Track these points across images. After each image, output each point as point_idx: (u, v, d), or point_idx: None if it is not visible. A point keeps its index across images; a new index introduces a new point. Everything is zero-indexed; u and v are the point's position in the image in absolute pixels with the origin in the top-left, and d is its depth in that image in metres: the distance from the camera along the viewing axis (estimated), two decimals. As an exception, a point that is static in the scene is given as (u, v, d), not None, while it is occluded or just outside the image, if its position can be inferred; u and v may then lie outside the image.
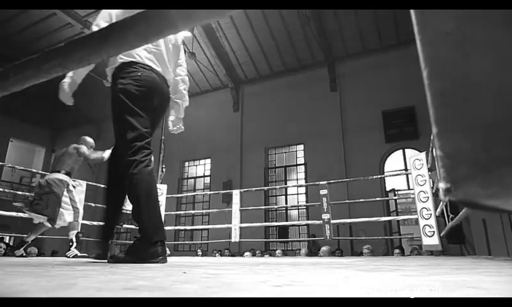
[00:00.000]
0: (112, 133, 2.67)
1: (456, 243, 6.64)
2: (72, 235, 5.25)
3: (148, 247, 2.24)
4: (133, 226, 9.48)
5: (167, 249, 2.76)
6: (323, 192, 6.76)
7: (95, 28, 2.51)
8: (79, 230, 5.39)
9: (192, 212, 14.43)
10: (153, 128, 2.64)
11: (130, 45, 0.65)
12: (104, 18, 2.54)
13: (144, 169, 2.35)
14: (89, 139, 5.56)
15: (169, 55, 2.70)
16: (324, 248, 8.44)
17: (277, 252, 10.59)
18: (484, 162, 0.28)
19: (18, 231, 8.81)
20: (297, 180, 13.62)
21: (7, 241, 15.67)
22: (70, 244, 5.21)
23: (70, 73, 2.53)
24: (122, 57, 2.49)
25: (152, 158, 2.49)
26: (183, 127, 2.94)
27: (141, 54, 2.50)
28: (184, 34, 2.85)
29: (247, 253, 10.38)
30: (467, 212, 3.80)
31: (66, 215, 5.12)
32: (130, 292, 0.62)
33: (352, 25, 12.63)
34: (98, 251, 2.54)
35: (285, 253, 11.34)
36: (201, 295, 0.60)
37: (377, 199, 8.64)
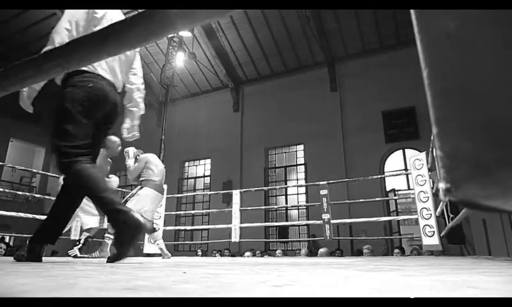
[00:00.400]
0: (111, 132, 2.66)
1: (456, 243, 6.63)
2: (84, 236, 5.23)
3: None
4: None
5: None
6: (323, 192, 6.76)
7: (56, 37, 2.46)
8: (93, 234, 5.33)
9: (192, 212, 14.42)
10: (103, 134, 2.69)
11: (130, 45, 0.65)
12: (63, 31, 2.54)
13: (83, 165, 2.34)
14: (114, 139, 5.11)
15: (121, 63, 2.71)
16: (322, 250, 8.44)
17: (277, 252, 10.59)
18: (484, 163, 0.28)
19: (19, 231, 8.81)
20: (297, 180, 13.62)
21: (7, 241, 15.70)
22: (77, 243, 5.18)
23: None
24: None
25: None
26: (138, 134, 2.96)
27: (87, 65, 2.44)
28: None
29: (247, 253, 10.38)
30: (467, 212, 3.80)
31: (88, 220, 5.16)
32: (131, 292, 0.62)
33: (352, 26, 12.63)
34: (22, 251, 2.38)
35: (285, 253, 11.34)
36: (202, 295, 0.60)
37: (378, 199, 8.63)
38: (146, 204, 4.71)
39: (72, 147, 2.33)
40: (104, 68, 2.55)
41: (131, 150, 5.15)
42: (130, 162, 5.07)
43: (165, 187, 7.54)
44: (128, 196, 4.80)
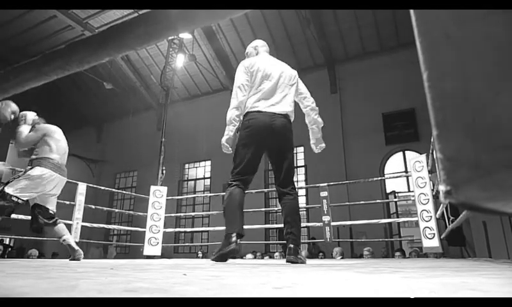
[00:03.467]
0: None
1: (457, 245, 6.63)
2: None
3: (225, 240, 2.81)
4: (132, 228, 9.47)
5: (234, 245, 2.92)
6: (323, 194, 6.75)
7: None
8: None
9: (193, 214, 14.42)
10: (279, 158, 3.09)
11: (130, 47, 0.65)
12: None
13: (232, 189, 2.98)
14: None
15: (284, 89, 3.11)
16: (336, 249, 8.44)
17: (275, 254, 10.58)
18: (484, 165, 0.28)
19: (19, 234, 8.80)
20: (297, 182, 13.61)
21: (7, 243, 15.69)
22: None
23: None
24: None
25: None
26: (324, 144, 3.41)
27: (249, 102, 3.07)
28: (294, 73, 3.27)
29: (249, 255, 10.37)
30: (467, 214, 3.80)
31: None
32: (131, 294, 0.62)
33: (352, 28, 12.65)
34: None
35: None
36: (202, 296, 0.60)
37: (378, 201, 8.62)
38: (38, 188, 3.77)
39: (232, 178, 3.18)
40: (260, 100, 3.07)
41: (30, 115, 4.27)
42: (24, 128, 4.11)
43: (165, 189, 7.56)
44: (12, 177, 3.88)
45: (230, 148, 3.18)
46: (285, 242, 3.00)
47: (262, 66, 3.16)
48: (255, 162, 3.07)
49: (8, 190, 3.61)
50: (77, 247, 3.97)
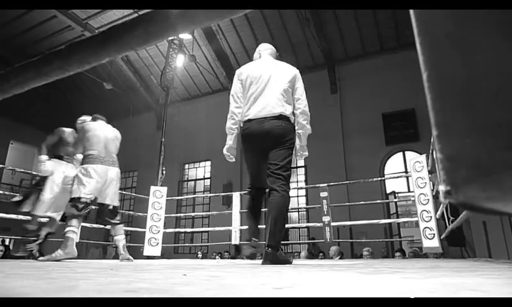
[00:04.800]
0: None
1: (457, 245, 6.63)
2: (44, 231, 4.72)
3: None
4: (132, 229, 9.48)
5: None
6: (323, 194, 6.75)
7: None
8: (54, 230, 4.82)
9: (193, 214, 14.42)
10: (270, 160, 3.05)
11: (130, 48, 0.65)
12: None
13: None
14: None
15: (275, 90, 3.05)
16: (333, 248, 8.42)
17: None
18: (484, 165, 0.28)
19: (19, 234, 8.79)
20: (297, 182, 13.61)
21: (7, 243, 15.68)
22: (36, 238, 4.65)
23: None
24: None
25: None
26: (307, 153, 3.17)
27: (244, 110, 3.12)
28: (293, 73, 3.18)
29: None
30: (467, 215, 3.80)
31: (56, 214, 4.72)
32: (131, 294, 0.62)
33: (352, 28, 12.65)
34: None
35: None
36: (202, 297, 0.60)
37: (378, 201, 8.62)
38: (90, 182, 3.84)
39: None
40: (250, 108, 3.09)
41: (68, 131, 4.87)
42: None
43: (165, 189, 7.56)
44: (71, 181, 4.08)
45: (231, 157, 3.27)
46: (285, 242, 3.18)
47: (251, 71, 3.17)
48: (259, 169, 3.12)
49: (74, 195, 3.78)
50: (123, 252, 4.13)
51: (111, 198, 4.07)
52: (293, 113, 3.10)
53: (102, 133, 4.16)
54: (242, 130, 3.10)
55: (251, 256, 3.02)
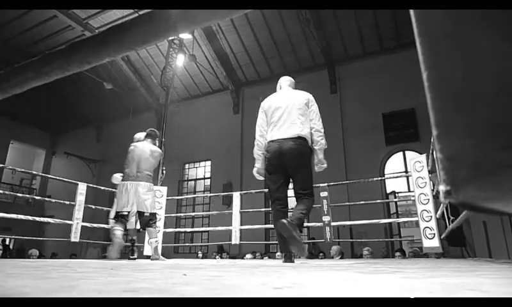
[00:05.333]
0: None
1: (457, 245, 6.62)
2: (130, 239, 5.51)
3: None
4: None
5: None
6: (323, 194, 6.74)
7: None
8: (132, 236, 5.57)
9: (193, 214, 14.41)
10: (293, 174, 3.57)
11: (131, 48, 0.65)
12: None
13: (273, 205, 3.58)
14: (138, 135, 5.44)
15: (292, 115, 3.58)
16: (334, 247, 8.41)
17: (277, 254, 10.58)
18: (484, 165, 0.28)
19: (19, 234, 8.81)
20: (297, 182, 13.58)
21: (7, 243, 15.69)
22: (132, 248, 5.33)
23: None
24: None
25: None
26: (324, 165, 3.77)
27: (268, 134, 3.66)
28: (306, 98, 3.75)
29: (248, 255, 10.37)
30: (468, 214, 3.80)
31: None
32: (131, 294, 0.62)
33: (352, 28, 12.64)
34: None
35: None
36: (203, 297, 0.60)
37: (378, 201, 8.62)
38: (122, 197, 4.76)
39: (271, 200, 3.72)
40: (272, 132, 3.62)
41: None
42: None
43: (165, 189, 7.55)
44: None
45: (261, 177, 3.80)
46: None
47: (273, 101, 3.74)
48: (278, 183, 3.56)
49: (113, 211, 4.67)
50: (157, 254, 4.94)
51: (146, 207, 4.81)
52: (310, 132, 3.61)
53: (137, 153, 4.94)
54: (266, 150, 3.61)
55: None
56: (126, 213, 4.70)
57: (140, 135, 5.36)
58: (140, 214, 4.82)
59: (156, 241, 4.94)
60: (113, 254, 4.52)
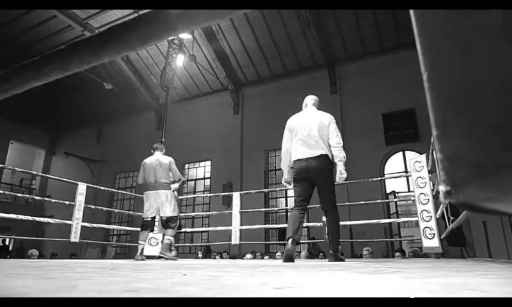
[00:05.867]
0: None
1: (457, 245, 6.62)
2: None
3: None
4: (132, 229, 9.49)
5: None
6: (323, 194, 6.73)
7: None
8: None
9: (193, 214, 14.41)
10: (318, 188, 4.05)
11: (131, 48, 0.65)
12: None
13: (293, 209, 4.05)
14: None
15: (315, 136, 4.02)
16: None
17: (277, 254, 10.58)
18: (484, 165, 0.28)
19: (19, 234, 8.81)
20: (297, 182, 13.59)
21: (7, 243, 15.69)
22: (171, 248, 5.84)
23: None
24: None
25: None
26: (344, 176, 4.10)
27: (293, 151, 4.14)
28: (328, 119, 4.16)
29: (248, 255, 10.37)
30: (467, 214, 3.80)
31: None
32: (131, 294, 0.62)
33: (352, 28, 12.64)
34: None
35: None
36: (203, 297, 0.60)
37: (378, 201, 8.61)
38: (145, 205, 5.49)
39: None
40: (297, 151, 4.09)
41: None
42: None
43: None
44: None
45: (289, 185, 4.29)
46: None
47: (297, 121, 4.17)
48: (302, 193, 4.04)
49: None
50: (166, 249, 5.40)
51: (165, 211, 5.39)
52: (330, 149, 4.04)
53: (147, 166, 5.59)
54: (292, 166, 4.12)
55: (289, 252, 3.66)
56: (150, 219, 5.44)
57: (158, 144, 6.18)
58: (161, 217, 5.55)
59: (169, 239, 5.43)
60: (147, 253, 5.39)
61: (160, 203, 5.41)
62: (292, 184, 4.22)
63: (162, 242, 5.75)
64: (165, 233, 5.51)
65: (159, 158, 5.64)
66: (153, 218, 5.53)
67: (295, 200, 4.13)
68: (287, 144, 4.24)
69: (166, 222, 5.49)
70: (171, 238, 5.51)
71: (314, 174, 3.96)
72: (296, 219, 3.96)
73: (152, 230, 5.56)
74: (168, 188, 5.56)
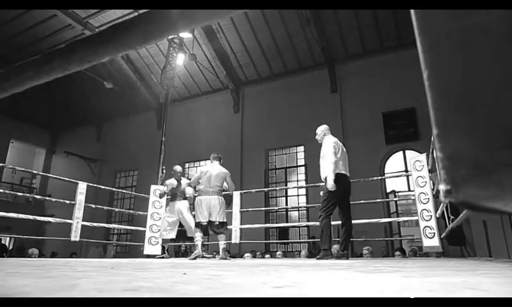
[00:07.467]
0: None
1: (457, 244, 6.62)
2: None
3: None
4: (133, 228, 9.48)
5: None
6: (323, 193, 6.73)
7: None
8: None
9: (193, 213, 14.39)
10: (346, 202, 5.10)
11: (131, 47, 0.65)
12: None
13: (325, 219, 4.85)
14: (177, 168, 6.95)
15: (346, 159, 5.14)
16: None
17: (277, 253, 10.58)
18: (484, 164, 0.28)
19: (19, 233, 8.80)
20: (297, 181, 13.61)
21: (6, 243, 15.69)
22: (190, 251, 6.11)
23: None
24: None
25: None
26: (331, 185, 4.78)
27: (338, 165, 4.91)
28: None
29: (247, 254, 10.37)
30: (468, 214, 3.80)
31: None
32: (132, 294, 0.62)
33: (352, 27, 12.63)
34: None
35: (285, 254, 11.32)
36: (203, 296, 0.60)
37: (378, 200, 8.61)
38: (197, 210, 5.86)
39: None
40: (341, 167, 5.03)
41: (179, 168, 7.11)
42: (184, 180, 7.22)
43: (165, 188, 7.55)
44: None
45: (334, 188, 4.75)
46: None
47: (338, 143, 5.05)
48: (335, 205, 4.93)
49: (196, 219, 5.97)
50: (221, 253, 5.82)
51: (215, 216, 5.68)
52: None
53: (206, 173, 5.85)
54: (337, 178, 4.78)
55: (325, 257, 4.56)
56: (205, 223, 5.71)
57: (178, 166, 7.05)
58: (211, 222, 5.74)
59: (224, 244, 5.86)
60: (194, 255, 5.64)
61: (213, 208, 5.69)
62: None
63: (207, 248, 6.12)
64: (219, 238, 5.84)
65: (220, 168, 5.95)
66: (208, 223, 5.78)
67: (329, 207, 4.88)
68: (335, 157, 4.94)
69: (218, 226, 5.74)
70: (224, 243, 5.95)
71: (348, 190, 5.06)
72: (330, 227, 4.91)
73: (206, 234, 5.92)
74: (221, 194, 5.86)
